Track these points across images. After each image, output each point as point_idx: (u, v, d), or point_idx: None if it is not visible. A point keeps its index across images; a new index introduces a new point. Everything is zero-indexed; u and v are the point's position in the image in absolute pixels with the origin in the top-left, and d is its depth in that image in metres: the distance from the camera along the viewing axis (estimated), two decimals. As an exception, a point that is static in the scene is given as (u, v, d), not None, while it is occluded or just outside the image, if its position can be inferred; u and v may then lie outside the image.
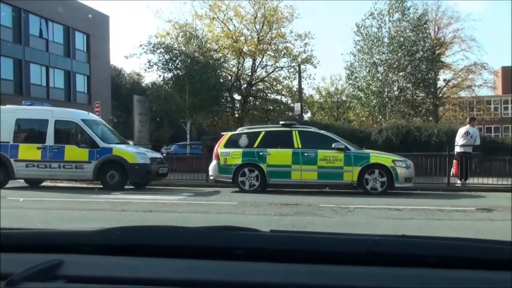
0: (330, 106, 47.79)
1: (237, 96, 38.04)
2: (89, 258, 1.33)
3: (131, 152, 14.47)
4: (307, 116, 43.91)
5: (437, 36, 39.87)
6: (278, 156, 13.34)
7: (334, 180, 13.16)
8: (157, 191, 14.17)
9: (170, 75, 28.57)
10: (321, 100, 47.83)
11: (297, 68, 35.99)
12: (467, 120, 15.60)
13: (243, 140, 13.67)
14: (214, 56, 29.33)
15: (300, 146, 13.26)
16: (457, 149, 14.93)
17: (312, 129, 13.95)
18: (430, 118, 30.56)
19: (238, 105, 38.22)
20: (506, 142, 19.66)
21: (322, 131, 13.95)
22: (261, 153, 13.37)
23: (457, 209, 9.99)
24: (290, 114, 30.65)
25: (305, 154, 13.15)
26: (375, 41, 24.82)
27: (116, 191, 13.36)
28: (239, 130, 14.26)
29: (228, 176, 13.53)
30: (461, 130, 15.09)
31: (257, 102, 39.15)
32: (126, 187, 14.62)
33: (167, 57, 28.34)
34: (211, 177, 13.97)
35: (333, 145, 13.03)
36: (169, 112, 28.46)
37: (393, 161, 12.91)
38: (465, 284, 1.16)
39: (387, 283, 1.16)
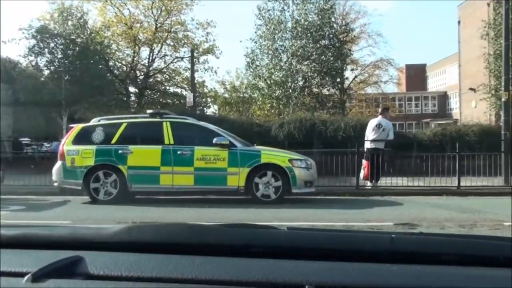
0: (235, 101, 45.13)
1: (132, 88, 34.60)
2: (108, 255, 1.29)
3: None
4: (210, 111, 41.25)
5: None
6: (143, 155, 10.16)
7: (216, 185, 10.17)
8: (-19, 203, 10.53)
9: (44, 60, 24.51)
10: (226, 94, 45.20)
11: (197, 59, 33.45)
12: (379, 110, 13.14)
13: (98, 135, 10.32)
14: (97, 39, 25.48)
15: (172, 141, 10.17)
16: (367, 145, 12.48)
17: (189, 120, 10.79)
18: (337, 113, 29.46)
19: (133, 98, 34.71)
20: (419, 137, 17.69)
21: (201, 123, 10.85)
22: (120, 151, 10.10)
23: (371, 225, 7.43)
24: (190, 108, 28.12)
25: (179, 152, 10.09)
26: (277, 25, 22.15)
27: None
28: (94, 121, 10.83)
29: (77, 182, 10.12)
30: (372, 122, 12.63)
31: (154, 96, 35.83)
32: None
33: (40, 38, 24.25)
34: (55, 183, 10.50)
35: (214, 141, 10.05)
36: (41, 103, 24.35)
37: (290, 160, 10.14)
38: (466, 281, 1.14)
39: (405, 280, 1.14)
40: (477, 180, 12.28)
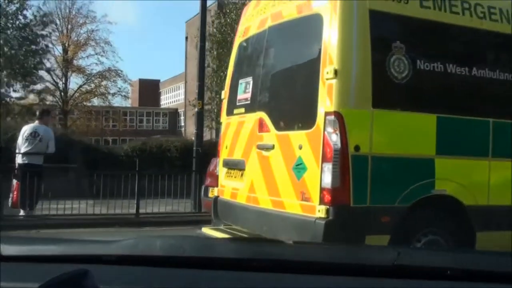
0: None
1: None
2: (115, 268, 1.31)
3: None
4: None
5: (69, 35, 37.07)
6: None
7: None
8: None
9: None
10: None
11: None
12: (37, 113, 9.98)
13: None
14: None
15: None
16: (19, 160, 9.27)
17: None
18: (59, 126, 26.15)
19: None
20: (115, 152, 15.01)
21: None
22: None
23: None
24: None
25: None
26: None
27: None
28: None
29: None
30: (25, 130, 9.37)
31: None
32: None
33: None
34: None
35: None
36: None
37: None
38: None
39: None
40: (160, 204, 10.14)
